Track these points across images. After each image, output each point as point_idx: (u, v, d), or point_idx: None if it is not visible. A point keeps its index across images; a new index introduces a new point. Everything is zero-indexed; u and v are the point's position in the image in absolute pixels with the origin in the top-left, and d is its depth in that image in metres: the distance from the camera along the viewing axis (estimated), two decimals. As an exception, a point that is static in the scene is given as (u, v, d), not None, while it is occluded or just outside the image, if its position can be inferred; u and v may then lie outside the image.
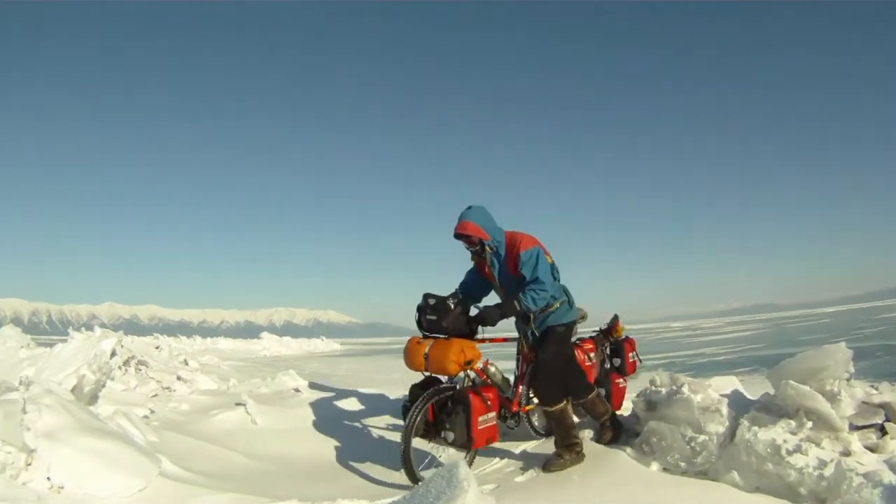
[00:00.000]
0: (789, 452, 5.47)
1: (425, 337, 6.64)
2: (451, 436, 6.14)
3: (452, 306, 6.49)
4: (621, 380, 8.22)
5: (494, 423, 6.36)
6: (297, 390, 9.76)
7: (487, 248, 6.68)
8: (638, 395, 7.15)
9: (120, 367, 9.41)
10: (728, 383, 7.33)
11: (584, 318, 7.50)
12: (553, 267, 6.71)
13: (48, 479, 5.11)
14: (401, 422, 7.16)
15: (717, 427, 6.02)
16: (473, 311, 6.73)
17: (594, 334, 8.34)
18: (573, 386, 7.01)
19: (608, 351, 8.35)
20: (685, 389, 6.39)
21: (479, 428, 6.13)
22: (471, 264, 7.13)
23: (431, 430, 6.30)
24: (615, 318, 8.56)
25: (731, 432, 5.95)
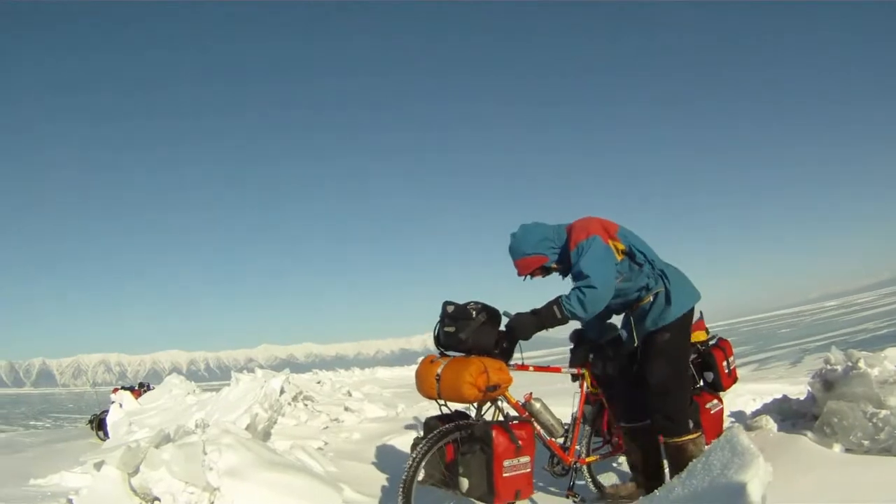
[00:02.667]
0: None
1: (442, 355, 5.27)
2: (465, 483, 4.81)
3: (474, 314, 5.09)
4: (714, 402, 6.60)
5: (528, 470, 4.88)
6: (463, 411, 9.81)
7: (554, 267, 5.43)
8: (813, 377, 6.70)
9: (289, 404, 9.72)
10: (900, 355, 6.86)
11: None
12: (631, 252, 5.32)
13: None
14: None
15: (898, 400, 5.68)
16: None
17: None
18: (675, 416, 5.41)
19: (692, 364, 6.54)
20: (861, 364, 6.04)
21: (505, 476, 4.70)
22: None
23: (449, 477, 4.97)
24: (699, 318, 6.74)
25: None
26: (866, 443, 5.66)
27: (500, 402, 5.27)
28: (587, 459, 5.87)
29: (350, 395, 15.91)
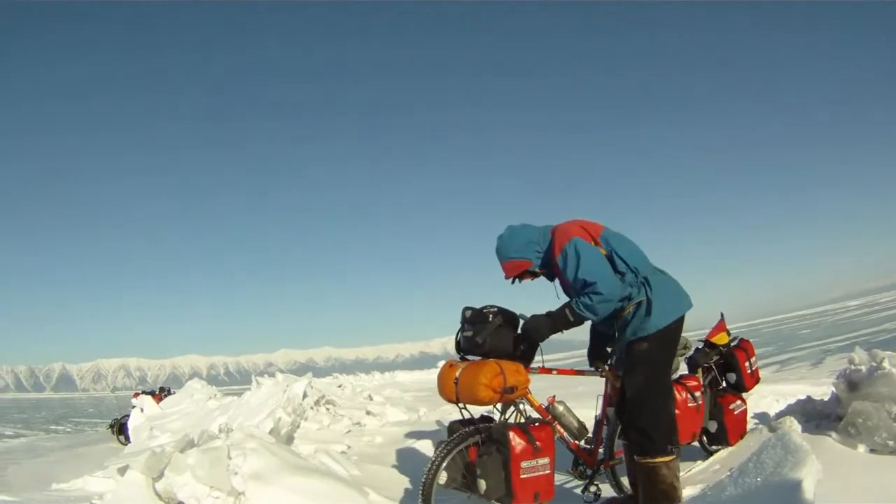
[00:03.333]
0: None
1: (462, 359, 5.29)
2: (483, 485, 4.77)
3: (490, 318, 5.15)
4: (738, 403, 6.78)
5: (548, 472, 4.85)
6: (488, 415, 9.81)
7: (539, 272, 5.38)
8: (838, 377, 6.61)
9: (312, 408, 9.73)
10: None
11: (686, 348, 6.16)
12: (616, 252, 5.14)
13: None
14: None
15: (923, 401, 5.63)
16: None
17: (696, 353, 6.84)
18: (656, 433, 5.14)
19: (714, 366, 6.89)
20: (886, 364, 5.98)
21: (523, 477, 4.70)
22: None
23: (470, 480, 4.95)
24: (720, 320, 7.07)
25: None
26: (891, 443, 5.62)
27: (521, 405, 5.26)
28: (611, 462, 5.80)
29: (371, 398, 15.93)
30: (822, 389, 7.51)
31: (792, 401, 7.82)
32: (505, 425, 4.91)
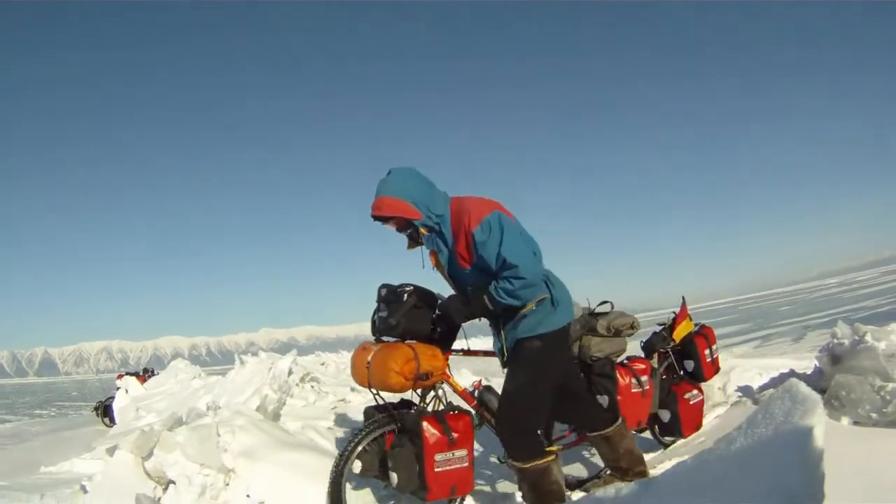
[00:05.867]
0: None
1: (377, 341, 4.92)
2: (394, 478, 4.52)
3: (405, 297, 4.75)
4: (694, 392, 6.41)
5: (465, 465, 4.58)
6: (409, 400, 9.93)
7: (422, 230, 4.58)
8: (821, 351, 6.69)
9: (297, 385, 9.78)
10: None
11: (632, 328, 5.71)
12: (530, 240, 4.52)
13: (248, 496, 5.41)
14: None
15: (905, 373, 5.74)
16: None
17: (653, 336, 6.55)
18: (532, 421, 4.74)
19: (672, 352, 6.56)
20: (868, 338, 6.10)
21: (437, 471, 4.43)
22: None
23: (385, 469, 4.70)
24: (682, 305, 6.74)
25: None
26: (874, 416, 5.74)
27: (440, 391, 4.95)
28: (548, 449, 4.94)
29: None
30: (804, 363, 7.59)
31: (775, 374, 8.00)
32: (419, 414, 4.61)
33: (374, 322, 4.92)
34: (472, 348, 5.31)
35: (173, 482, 5.57)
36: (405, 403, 4.98)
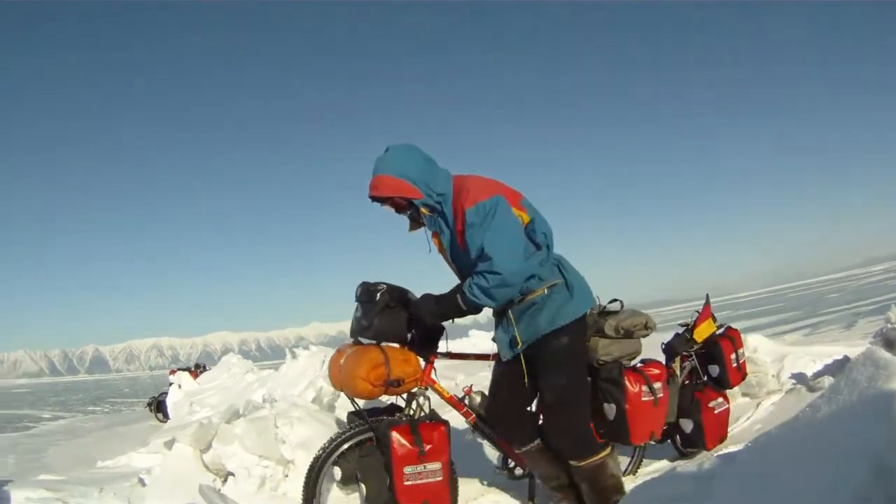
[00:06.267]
0: None
1: (355, 343, 4.61)
2: (363, 489, 4.33)
3: (378, 296, 4.40)
4: (719, 400, 5.87)
5: (439, 479, 4.21)
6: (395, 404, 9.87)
7: (423, 210, 4.27)
8: (875, 336, 6.47)
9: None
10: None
11: (646, 328, 5.08)
12: (533, 227, 4.24)
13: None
14: None
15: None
16: None
17: (674, 338, 6.01)
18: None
19: (694, 357, 5.99)
20: None
21: (407, 484, 4.11)
22: None
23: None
24: (705, 304, 6.18)
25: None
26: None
27: (420, 398, 4.53)
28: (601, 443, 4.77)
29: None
30: (857, 350, 7.38)
31: (829, 361, 7.88)
32: (388, 424, 4.23)
33: (351, 323, 4.62)
34: (464, 352, 5.10)
35: (232, 474, 5.61)
36: (393, 409, 4.64)
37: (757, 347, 8.48)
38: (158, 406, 18.32)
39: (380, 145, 4.32)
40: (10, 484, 6.16)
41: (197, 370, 19.86)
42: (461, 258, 4.29)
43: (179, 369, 18.63)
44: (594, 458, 4.40)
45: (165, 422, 14.27)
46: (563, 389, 4.35)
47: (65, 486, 6.52)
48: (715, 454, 4.80)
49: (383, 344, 4.42)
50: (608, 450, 4.49)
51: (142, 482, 5.94)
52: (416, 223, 4.43)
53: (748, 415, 7.04)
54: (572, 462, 4.44)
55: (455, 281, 4.44)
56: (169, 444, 6.16)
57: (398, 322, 4.42)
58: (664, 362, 5.62)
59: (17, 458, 13.22)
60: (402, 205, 4.27)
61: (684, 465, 4.43)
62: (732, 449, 5.24)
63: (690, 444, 5.90)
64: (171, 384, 14.87)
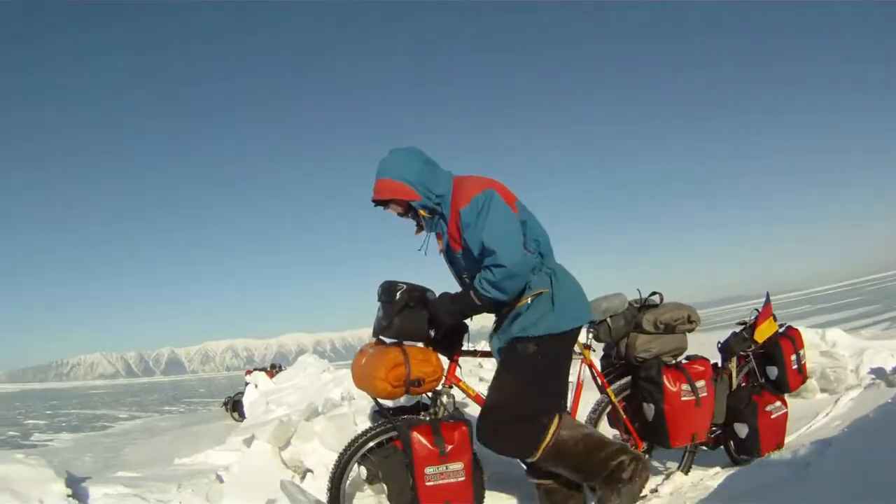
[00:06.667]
0: None
1: (376, 343, 4.45)
2: (385, 489, 4.21)
3: (397, 295, 4.25)
4: (777, 404, 5.37)
5: (462, 479, 4.04)
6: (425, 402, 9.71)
7: (422, 212, 4.23)
8: None
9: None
10: None
11: (689, 322, 4.91)
12: (527, 225, 4.15)
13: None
14: None
15: None
16: None
17: (731, 337, 5.67)
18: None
19: (752, 358, 5.64)
20: None
21: (429, 485, 3.97)
22: None
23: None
24: (765, 302, 5.76)
25: None
26: None
27: (444, 397, 4.33)
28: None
29: (482, 366, 15.90)
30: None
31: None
32: (409, 424, 4.09)
33: (374, 323, 4.44)
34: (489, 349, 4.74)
35: (310, 470, 5.62)
36: (419, 408, 4.45)
37: (836, 342, 8.43)
38: (234, 405, 18.60)
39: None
40: (88, 481, 6.22)
41: (273, 370, 20.07)
42: (456, 259, 4.27)
43: (255, 369, 18.86)
44: (542, 445, 4.04)
45: (241, 421, 14.39)
46: (511, 395, 4.09)
47: (142, 482, 6.58)
48: (810, 441, 4.54)
49: (405, 344, 4.27)
50: (550, 434, 4.06)
51: (219, 479, 5.96)
52: (421, 226, 4.38)
53: (827, 410, 6.82)
54: (528, 460, 4.17)
55: (453, 283, 4.43)
56: (248, 442, 6.18)
57: (418, 321, 4.25)
58: (720, 363, 5.45)
59: (94, 456, 13.49)
60: (403, 208, 4.23)
61: (779, 454, 4.23)
62: (812, 446, 4.96)
63: (745, 451, 5.38)
64: (247, 384, 15.02)
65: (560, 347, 4.14)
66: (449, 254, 4.29)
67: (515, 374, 4.10)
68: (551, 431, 4.05)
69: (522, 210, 4.17)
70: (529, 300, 4.04)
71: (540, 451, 4.05)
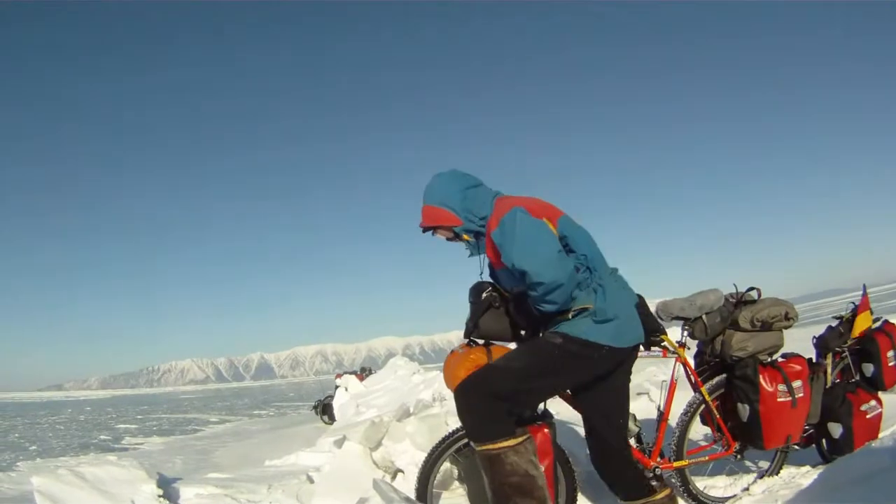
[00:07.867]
0: None
1: (468, 344, 4.34)
2: (466, 489, 4.24)
3: (483, 296, 4.19)
4: (872, 403, 5.19)
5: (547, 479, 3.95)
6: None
7: (465, 236, 4.19)
8: None
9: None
10: None
11: (787, 318, 4.74)
12: (570, 239, 3.98)
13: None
14: None
15: None
16: None
17: (827, 332, 5.52)
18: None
19: (847, 354, 5.52)
20: None
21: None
22: None
23: None
24: (862, 294, 5.65)
25: None
26: None
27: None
28: (675, 463, 4.64)
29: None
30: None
31: None
32: None
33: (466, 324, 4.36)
34: None
35: (401, 471, 5.71)
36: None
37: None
38: (324, 408, 18.83)
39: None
40: (179, 482, 6.42)
41: (363, 373, 20.27)
42: (500, 278, 4.23)
43: (345, 373, 19.07)
44: (491, 446, 3.76)
45: (331, 424, 14.52)
46: (515, 363, 3.91)
47: (233, 483, 6.70)
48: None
49: (495, 344, 4.24)
50: (521, 438, 3.83)
51: (310, 479, 6.08)
52: (471, 251, 4.34)
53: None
54: (472, 444, 3.91)
55: None
56: (339, 443, 6.30)
57: (503, 322, 4.20)
58: (814, 358, 5.28)
59: (184, 458, 13.80)
60: (451, 233, 4.20)
61: (880, 440, 4.15)
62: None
63: (838, 451, 5.18)
64: (337, 387, 15.20)
65: (584, 354, 3.88)
66: (493, 274, 4.28)
67: (528, 353, 3.99)
68: (509, 442, 3.80)
69: (567, 225, 4.02)
70: (570, 316, 3.86)
71: (484, 444, 3.79)
